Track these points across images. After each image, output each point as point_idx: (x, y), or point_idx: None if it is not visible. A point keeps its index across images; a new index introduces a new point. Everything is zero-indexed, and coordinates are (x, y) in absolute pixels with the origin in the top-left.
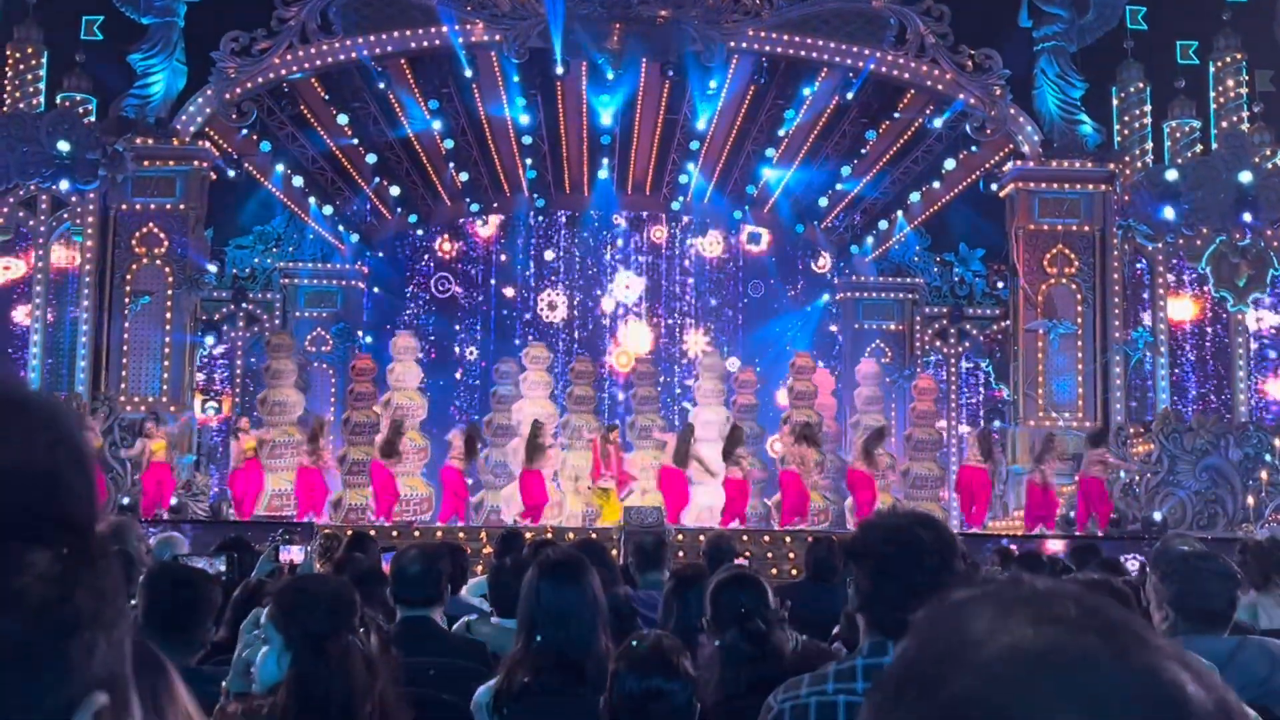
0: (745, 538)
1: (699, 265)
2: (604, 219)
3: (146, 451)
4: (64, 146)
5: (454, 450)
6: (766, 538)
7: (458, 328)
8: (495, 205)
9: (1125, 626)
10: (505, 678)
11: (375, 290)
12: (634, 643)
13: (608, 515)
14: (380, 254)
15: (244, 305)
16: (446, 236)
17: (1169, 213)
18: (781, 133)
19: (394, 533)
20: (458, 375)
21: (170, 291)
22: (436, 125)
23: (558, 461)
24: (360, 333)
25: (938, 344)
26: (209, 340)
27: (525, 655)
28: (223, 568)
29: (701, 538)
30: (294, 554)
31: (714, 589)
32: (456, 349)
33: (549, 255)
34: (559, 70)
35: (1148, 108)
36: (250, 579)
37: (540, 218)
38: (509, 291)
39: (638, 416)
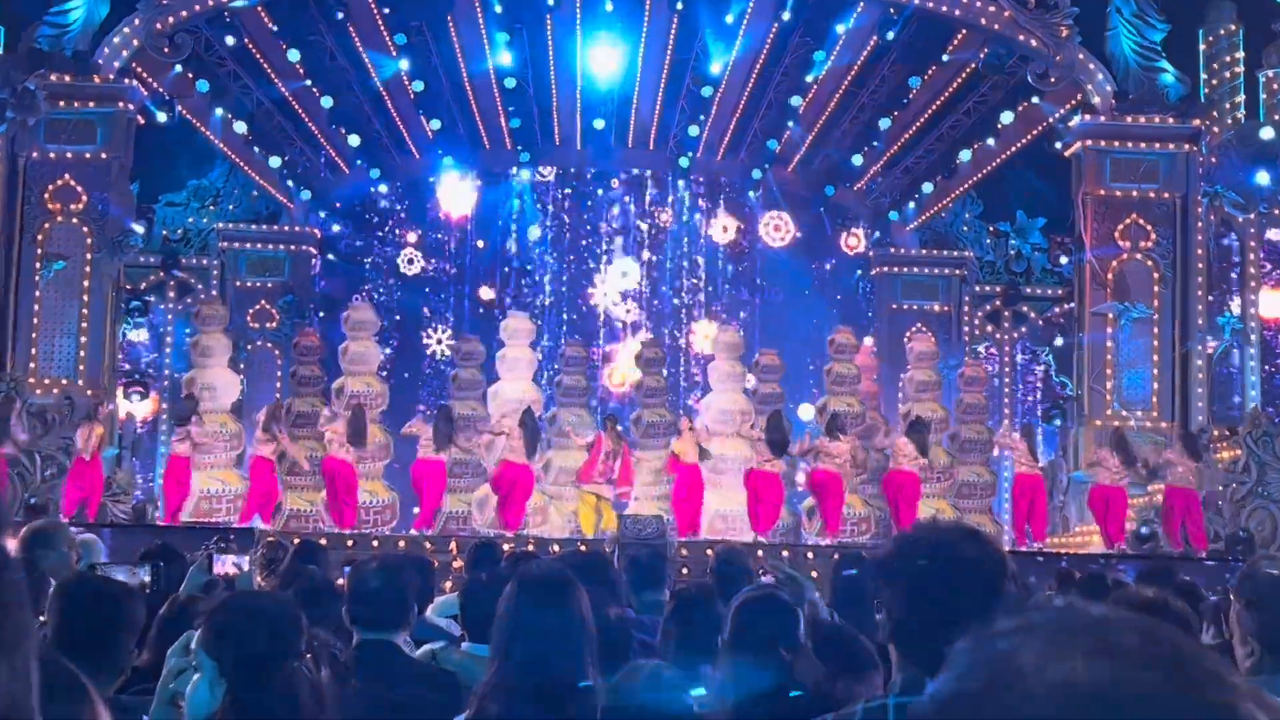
0: (760, 553)
1: (710, 245)
2: (600, 177)
3: (93, 440)
4: None
5: (422, 439)
6: (785, 553)
7: (427, 310)
8: (472, 158)
9: (1195, 661)
10: (476, 711)
11: (330, 257)
12: (629, 675)
13: (586, 522)
14: (336, 215)
15: (175, 273)
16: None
17: (1263, 177)
18: (809, 78)
19: (349, 542)
20: (425, 368)
21: (89, 256)
22: (404, 64)
23: (539, 463)
24: (312, 306)
25: (989, 329)
26: (134, 314)
27: (499, 685)
28: (146, 579)
29: (709, 552)
30: (231, 565)
31: (739, 606)
32: (426, 335)
33: (533, 231)
34: (550, 1)
35: (1240, 54)
36: (179, 594)
37: (525, 176)
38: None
39: (644, 411)
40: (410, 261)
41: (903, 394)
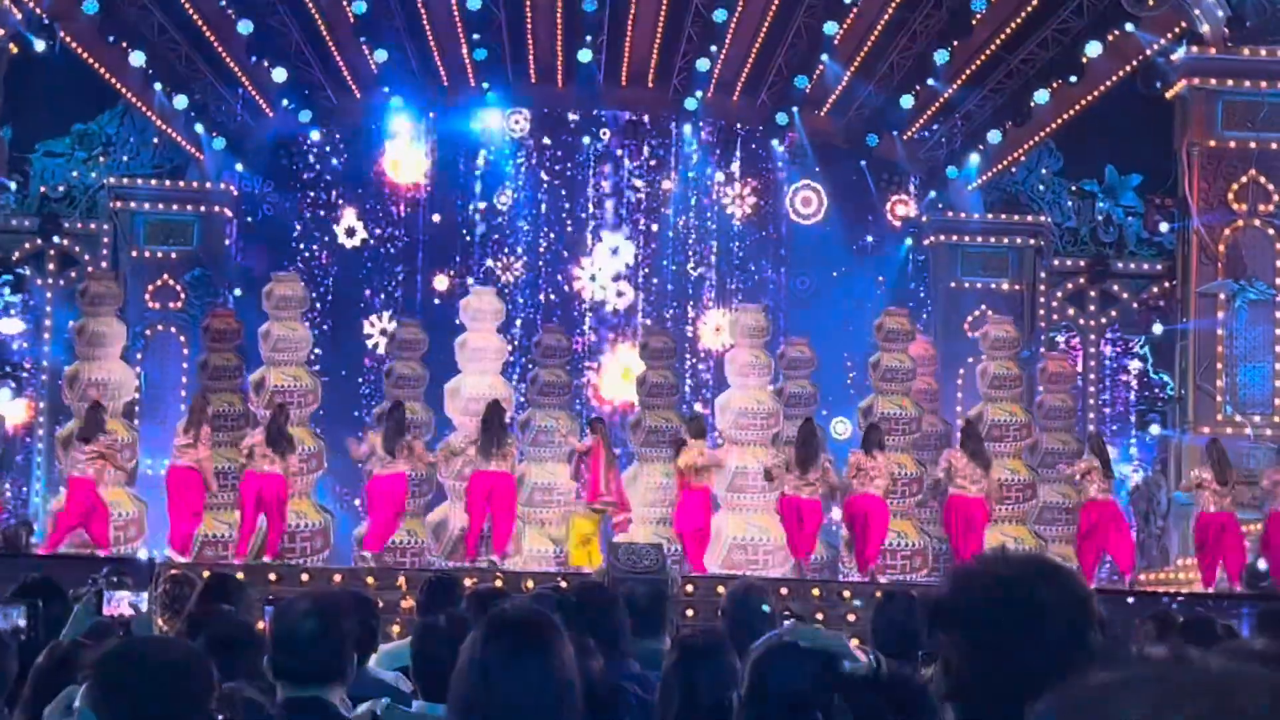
0: (785, 590)
1: (722, 211)
2: (586, 124)
3: None
4: None
5: (369, 448)
6: (816, 590)
7: (368, 291)
8: (427, 98)
9: None
10: None
11: (249, 220)
12: None
13: (579, 552)
14: (257, 168)
15: (57, 239)
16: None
17: None
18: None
19: (272, 575)
20: (365, 360)
21: None
22: None
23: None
24: (227, 282)
25: (1071, 312)
26: (2, 291)
27: None
28: (21, 622)
29: (720, 589)
30: (126, 604)
31: (758, 658)
32: (369, 323)
33: (502, 194)
34: None
35: None
36: (61, 639)
37: (494, 120)
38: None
39: (646, 415)
40: (351, 232)
41: (961, 394)
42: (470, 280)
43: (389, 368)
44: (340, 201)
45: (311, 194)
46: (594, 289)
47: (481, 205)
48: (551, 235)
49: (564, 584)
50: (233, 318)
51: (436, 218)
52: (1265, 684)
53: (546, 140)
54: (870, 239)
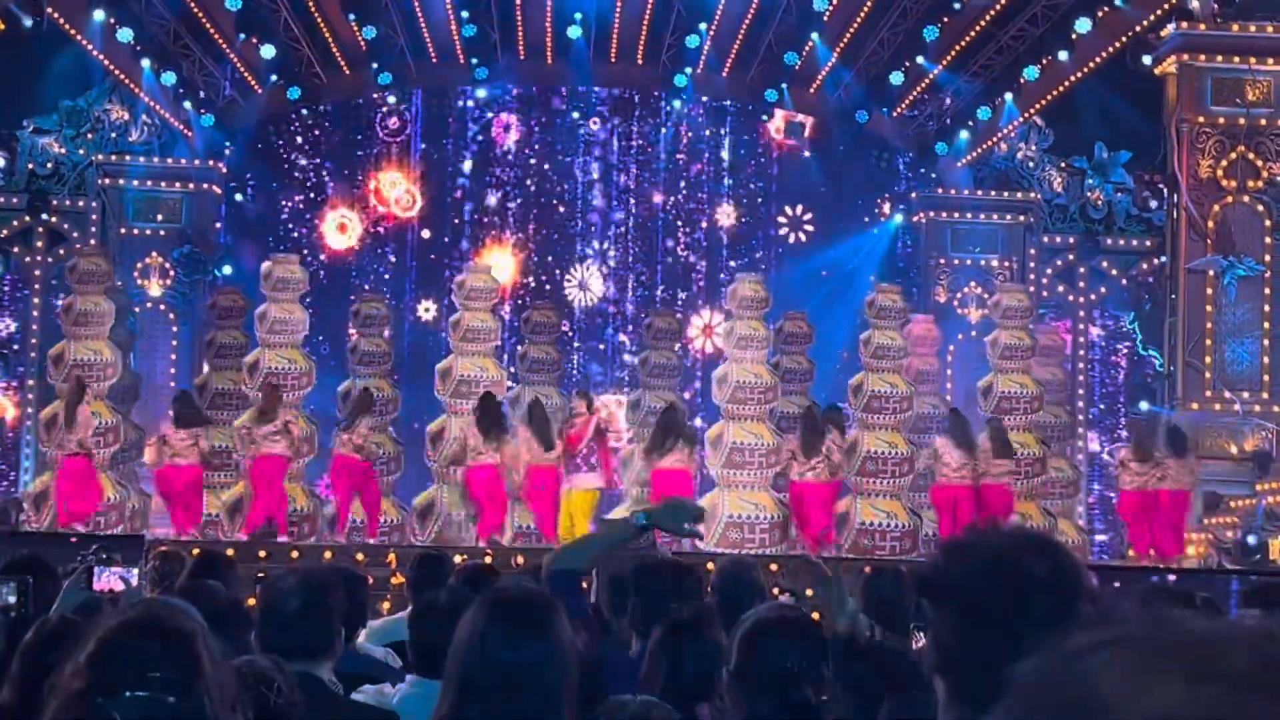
0: (774, 566)
1: (713, 193)
2: (577, 100)
3: None
4: None
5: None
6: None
7: (355, 278)
8: (415, 76)
9: None
10: None
11: (239, 199)
12: (610, 714)
13: (581, 526)
14: (246, 145)
15: (45, 217)
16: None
17: None
18: None
19: (261, 553)
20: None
21: None
22: None
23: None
24: (217, 261)
25: (1061, 289)
26: None
27: None
28: (12, 600)
29: (710, 566)
30: (115, 579)
31: (748, 633)
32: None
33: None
34: None
35: None
36: (50, 615)
37: (483, 97)
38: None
39: (646, 393)
40: (341, 229)
41: (950, 370)
42: (461, 255)
43: (352, 344)
44: (329, 183)
45: (298, 174)
46: (583, 297)
47: (471, 170)
48: (540, 214)
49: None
50: (239, 295)
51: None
52: (1246, 640)
53: (535, 120)
54: (865, 220)
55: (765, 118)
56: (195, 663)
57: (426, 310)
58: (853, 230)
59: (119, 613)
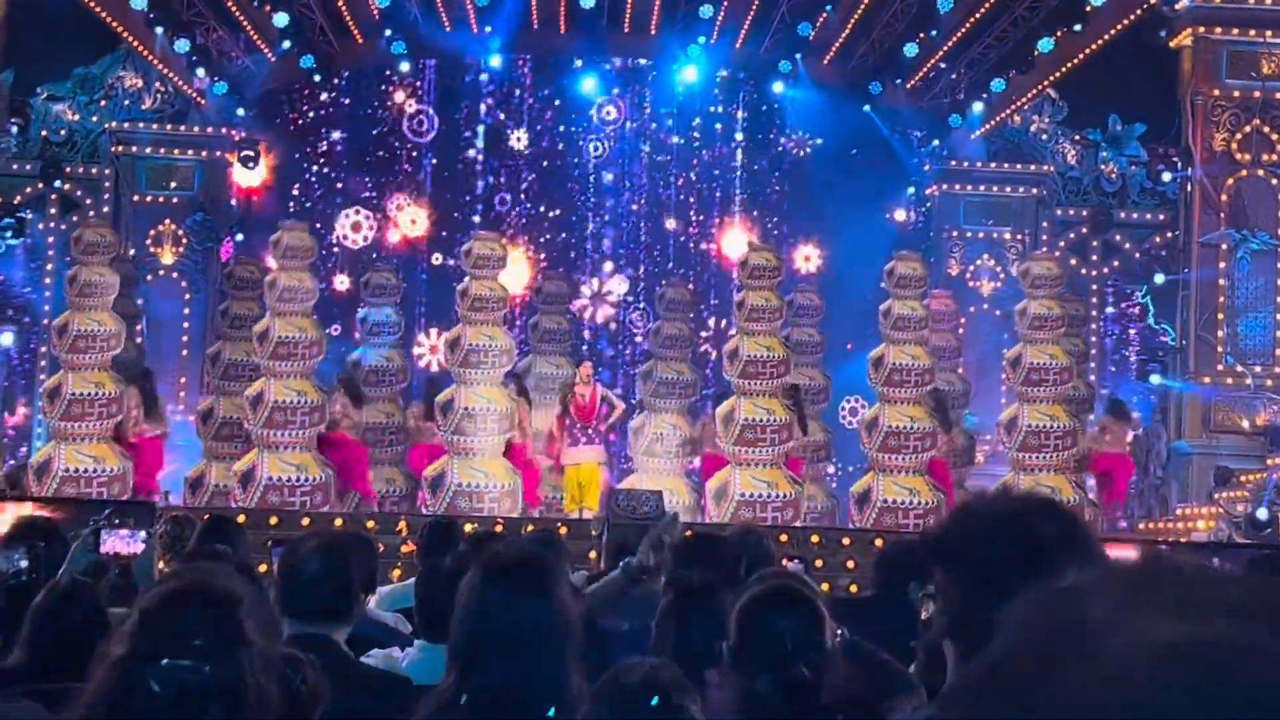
0: (784, 537)
1: (726, 163)
2: (588, 68)
3: None
4: None
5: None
6: (815, 538)
7: (373, 254)
8: (428, 46)
9: None
10: None
11: (250, 167)
12: (618, 676)
13: (591, 497)
14: (259, 113)
15: (58, 184)
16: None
17: None
18: None
19: (272, 519)
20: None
21: None
22: None
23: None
24: (230, 228)
25: (1074, 261)
26: (4, 233)
27: (458, 694)
28: (23, 564)
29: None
30: (124, 542)
31: (744, 608)
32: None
33: (515, 145)
34: None
35: None
36: (59, 578)
37: (496, 70)
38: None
39: (658, 364)
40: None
41: (960, 344)
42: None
43: (363, 317)
44: (341, 148)
45: (310, 138)
46: (596, 311)
47: (483, 143)
48: (549, 177)
49: (564, 529)
50: (256, 266)
51: (435, 160)
52: (1231, 576)
53: (547, 89)
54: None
55: (780, 86)
56: (237, 630)
57: (437, 258)
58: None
59: (165, 579)
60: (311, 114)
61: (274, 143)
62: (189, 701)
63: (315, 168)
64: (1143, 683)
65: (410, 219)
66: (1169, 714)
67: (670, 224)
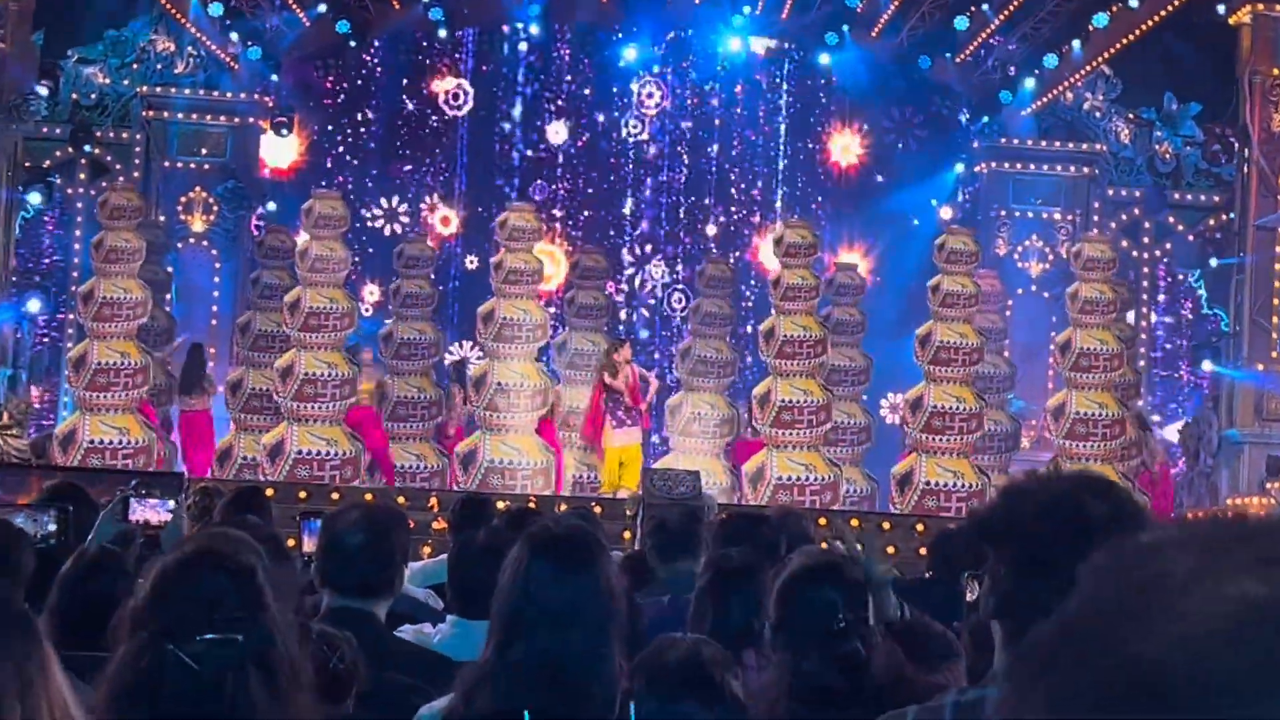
0: (823, 521)
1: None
2: (632, 37)
3: None
4: None
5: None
6: (855, 521)
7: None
8: (467, 12)
9: None
10: (463, 698)
11: (284, 134)
12: (659, 652)
13: (630, 478)
14: (293, 80)
15: (88, 149)
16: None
17: None
18: None
19: (301, 493)
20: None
21: None
22: None
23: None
24: (263, 195)
25: (1126, 244)
26: (34, 199)
27: (497, 670)
28: (52, 527)
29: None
30: (152, 511)
31: (785, 582)
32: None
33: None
34: None
35: None
36: (86, 545)
37: (535, 39)
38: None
39: (696, 342)
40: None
41: (1008, 326)
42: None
43: (395, 285)
44: (372, 117)
45: (345, 108)
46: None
47: (522, 116)
48: (590, 159)
49: (598, 508)
50: (288, 234)
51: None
52: None
53: (586, 59)
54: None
55: (825, 57)
56: (259, 596)
57: (471, 262)
58: (914, 178)
59: (177, 547)
60: (345, 84)
61: (307, 113)
62: (224, 672)
63: (348, 139)
64: (1221, 640)
65: (442, 218)
66: (1248, 673)
67: (707, 204)
